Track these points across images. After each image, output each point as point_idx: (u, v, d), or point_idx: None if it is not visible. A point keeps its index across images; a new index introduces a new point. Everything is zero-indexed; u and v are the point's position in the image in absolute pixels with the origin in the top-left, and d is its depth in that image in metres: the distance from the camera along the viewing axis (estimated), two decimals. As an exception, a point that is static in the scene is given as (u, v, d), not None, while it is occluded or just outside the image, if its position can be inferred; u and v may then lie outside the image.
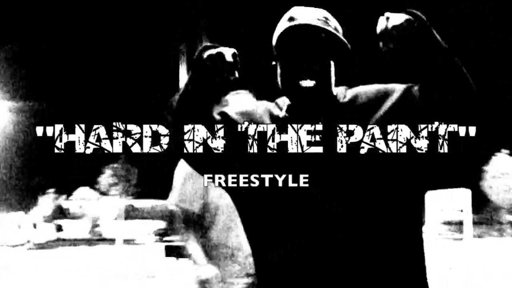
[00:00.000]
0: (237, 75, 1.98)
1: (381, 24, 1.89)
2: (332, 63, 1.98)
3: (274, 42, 2.01)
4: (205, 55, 1.98)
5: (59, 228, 62.75)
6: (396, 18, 1.87)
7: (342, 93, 2.02)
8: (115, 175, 59.47)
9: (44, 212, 64.31)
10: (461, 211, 10.81)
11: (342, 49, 2.00)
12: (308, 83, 1.93)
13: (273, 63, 2.04)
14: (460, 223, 10.89)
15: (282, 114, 2.01)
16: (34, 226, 47.73)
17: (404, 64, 1.92)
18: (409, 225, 1.93)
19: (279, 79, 2.01)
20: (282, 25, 1.99)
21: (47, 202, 66.00)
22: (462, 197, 10.97)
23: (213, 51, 1.97)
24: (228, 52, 1.95)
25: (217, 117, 2.02)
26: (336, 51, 1.98)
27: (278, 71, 2.00)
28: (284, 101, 2.05)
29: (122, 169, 59.38)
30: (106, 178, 60.26)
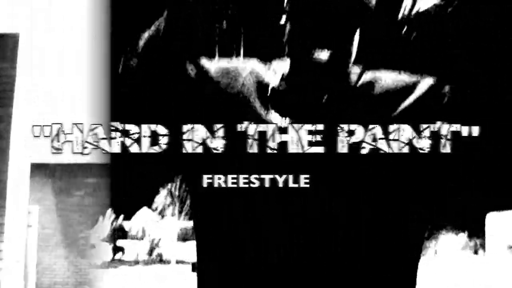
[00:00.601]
0: (224, 25, 1.72)
1: (405, 7, 1.70)
2: (358, 31, 1.66)
3: None
4: None
5: (118, 249, 63.35)
6: (424, 1, 1.66)
7: (355, 73, 1.75)
8: (170, 195, 59.87)
9: (102, 233, 65.10)
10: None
11: (369, 17, 1.68)
12: (322, 54, 1.63)
13: (282, 21, 1.72)
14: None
15: (276, 82, 1.74)
16: (92, 246, 48.13)
17: (433, 54, 1.69)
18: (411, 228, 1.86)
19: (286, 44, 1.71)
20: None
21: (106, 222, 66.89)
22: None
23: None
24: None
25: (191, 69, 1.78)
26: (362, 19, 1.67)
27: (286, 32, 1.69)
28: (281, 65, 1.78)
29: (177, 189, 59.74)
30: (161, 198, 60.74)
